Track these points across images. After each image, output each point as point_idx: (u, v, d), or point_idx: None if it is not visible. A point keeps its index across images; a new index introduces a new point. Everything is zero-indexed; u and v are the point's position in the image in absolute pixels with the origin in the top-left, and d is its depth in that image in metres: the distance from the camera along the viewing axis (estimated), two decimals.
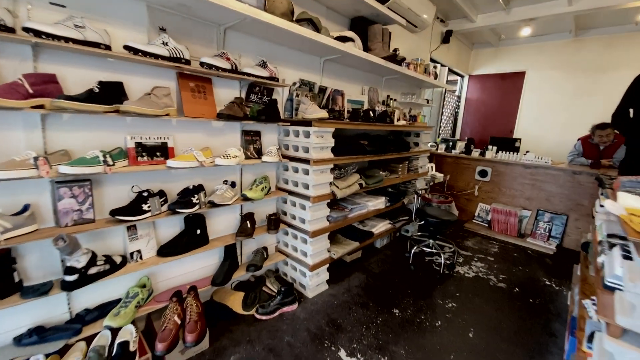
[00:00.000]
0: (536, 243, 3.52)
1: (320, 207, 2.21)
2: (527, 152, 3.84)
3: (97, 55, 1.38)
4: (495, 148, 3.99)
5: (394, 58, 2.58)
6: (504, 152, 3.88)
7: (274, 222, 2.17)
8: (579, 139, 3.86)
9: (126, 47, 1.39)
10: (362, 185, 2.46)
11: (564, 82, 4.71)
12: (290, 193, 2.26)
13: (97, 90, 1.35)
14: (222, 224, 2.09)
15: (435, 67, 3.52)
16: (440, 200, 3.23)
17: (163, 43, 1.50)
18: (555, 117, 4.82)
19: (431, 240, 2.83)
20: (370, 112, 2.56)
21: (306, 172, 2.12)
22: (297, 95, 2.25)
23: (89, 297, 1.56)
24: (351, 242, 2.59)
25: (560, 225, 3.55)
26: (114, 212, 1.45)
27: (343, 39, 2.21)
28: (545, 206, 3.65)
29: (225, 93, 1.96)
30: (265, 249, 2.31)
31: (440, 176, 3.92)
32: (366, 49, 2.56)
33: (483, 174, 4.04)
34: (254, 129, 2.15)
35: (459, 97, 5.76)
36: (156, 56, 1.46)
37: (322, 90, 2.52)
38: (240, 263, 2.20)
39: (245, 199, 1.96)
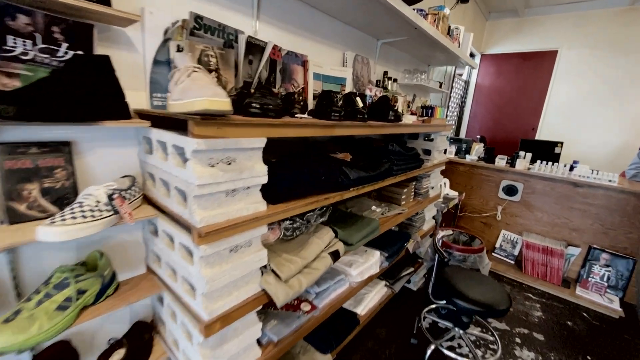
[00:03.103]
0: (590, 298, 2.41)
1: (235, 333, 0.91)
2: (576, 162, 2.69)
3: None
4: (529, 156, 2.81)
5: None
6: (543, 162, 2.71)
7: None
8: None
9: None
10: (337, 255, 1.17)
11: (611, 66, 3.57)
12: (168, 288, 0.96)
13: None
14: None
15: (458, 30, 2.24)
16: (465, 248, 2.01)
17: None
18: (596, 111, 3.69)
19: (459, 330, 1.62)
20: (358, 100, 1.25)
21: (190, 253, 0.82)
22: (181, 50, 0.91)
23: None
24: (316, 355, 1.32)
25: (624, 272, 2.46)
26: None
27: None
28: (602, 243, 2.54)
29: None
30: None
31: (454, 195, 2.71)
32: None
33: (511, 191, 2.87)
34: (44, 138, 0.80)
35: (466, 82, 4.54)
36: None
37: (256, 48, 1.18)
38: None
39: None
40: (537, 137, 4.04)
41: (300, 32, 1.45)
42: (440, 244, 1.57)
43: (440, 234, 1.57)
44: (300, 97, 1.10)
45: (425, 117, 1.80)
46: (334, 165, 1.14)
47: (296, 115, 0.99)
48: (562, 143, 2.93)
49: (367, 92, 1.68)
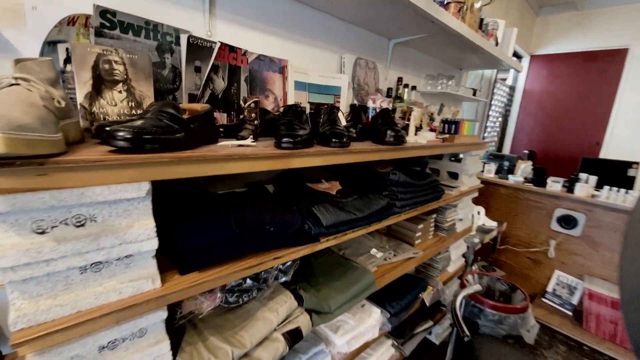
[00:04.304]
0: None
1: None
2: None
3: None
4: (594, 179, 2.23)
5: None
6: (612, 188, 2.12)
7: None
8: None
9: None
10: (298, 336, 0.83)
11: None
12: None
13: None
14: None
15: (495, 23, 1.81)
16: (501, 306, 1.53)
17: None
18: None
19: None
20: (340, 116, 0.93)
21: None
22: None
23: None
24: None
25: None
26: None
27: None
28: None
29: None
30: None
31: (492, 226, 2.22)
32: None
33: (568, 222, 2.30)
34: None
35: (512, 88, 3.95)
36: None
37: (205, 51, 0.92)
38: None
39: None
40: (602, 155, 3.33)
41: (277, 30, 1.16)
42: (461, 307, 1.16)
43: (463, 292, 1.15)
44: (253, 115, 0.80)
45: (447, 135, 1.40)
46: (296, 207, 0.82)
47: (222, 143, 0.70)
48: (637, 164, 2.30)
49: (370, 104, 1.34)
